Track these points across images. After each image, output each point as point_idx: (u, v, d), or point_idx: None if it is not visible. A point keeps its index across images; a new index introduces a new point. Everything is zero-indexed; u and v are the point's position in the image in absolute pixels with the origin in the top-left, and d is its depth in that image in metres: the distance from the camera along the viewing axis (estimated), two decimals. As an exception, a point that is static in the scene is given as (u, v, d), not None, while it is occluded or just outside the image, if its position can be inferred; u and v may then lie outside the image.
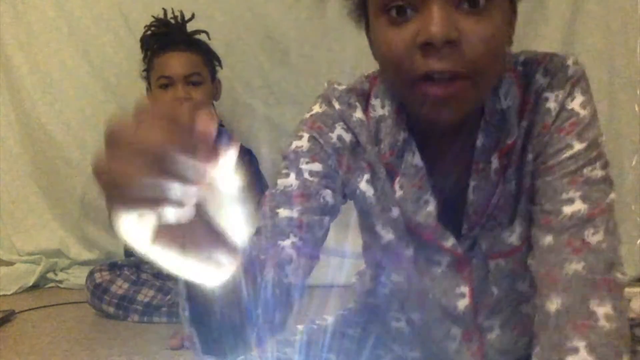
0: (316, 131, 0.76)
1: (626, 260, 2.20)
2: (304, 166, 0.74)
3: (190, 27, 1.87)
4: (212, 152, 0.35)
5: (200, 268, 0.40)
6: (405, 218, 0.77)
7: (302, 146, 0.75)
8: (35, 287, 2.09)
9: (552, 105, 0.71)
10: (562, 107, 0.71)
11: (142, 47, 1.87)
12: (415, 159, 0.75)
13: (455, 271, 0.79)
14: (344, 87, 0.80)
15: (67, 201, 2.25)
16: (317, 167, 0.74)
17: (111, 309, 1.72)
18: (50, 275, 2.16)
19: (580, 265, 0.67)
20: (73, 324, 1.69)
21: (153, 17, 1.87)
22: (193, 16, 1.87)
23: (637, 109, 1.95)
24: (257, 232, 0.69)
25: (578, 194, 0.68)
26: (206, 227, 0.40)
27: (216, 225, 0.40)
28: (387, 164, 0.76)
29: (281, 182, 0.73)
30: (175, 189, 0.34)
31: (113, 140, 0.34)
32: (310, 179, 0.73)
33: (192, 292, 0.52)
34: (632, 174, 1.95)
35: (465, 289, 0.80)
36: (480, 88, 0.65)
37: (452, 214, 0.76)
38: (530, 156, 0.73)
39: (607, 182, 0.70)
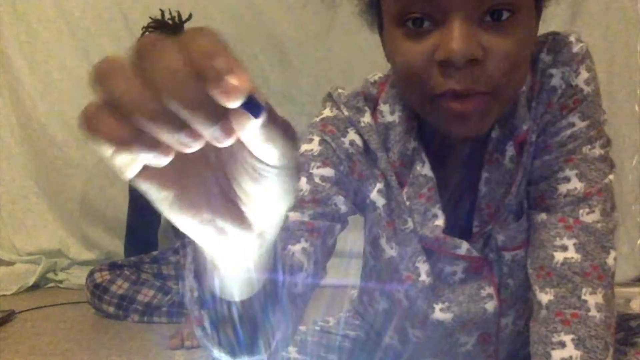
0: (328, 135, 0.72)
1: (626, 260, 2.20)
2: (314, 171, 0.70)
3: (189, 27, 1.87)
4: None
5: (201, 232, 0.34)
6: (416, 231, 0.73)
7: (312, 149, 0.71)
8: (35, 287, 2.09)
9: (557, 82, 0.69)
10: (567, 83, 0.68)
11: None
12: (424, 169, 0.71)
13: (475, 274, 0.75)
14: (351, 90, 0.76)
15: (67, 201, 2.25)
16: (328, 172, 0.70)
17: (111, 309, 1.71)
18: (50, 275, 2.16)
19: (571, 242, 0.65)
20: (73, 324, 1.69)
21: (150, 18, 1.87)
22: (190, 16, 1.86)
23: (637, 109, 1.95)
24: None
25: (574, 172, 0.67)
26: (212, 189, 0.33)
27: (229, 192, 0.33)
28: (397, 173, 0.72)
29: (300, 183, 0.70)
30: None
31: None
32: (322, 184, 0.69)
33: (203, 266, 0.43)
34: (632, 174, 1.96)
35: (490, 290, 0.75)
36: (503, 102, 0.62)
37: (461, 211, 0.73)
38: (533, 137, 0.70)
39: (607, 161, 0.68)
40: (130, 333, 1.60)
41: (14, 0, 2.19)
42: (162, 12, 1.86)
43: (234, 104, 0.26)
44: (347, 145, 0.72)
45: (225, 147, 0.29)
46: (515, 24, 0.58)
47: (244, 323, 0.44)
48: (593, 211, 0.66)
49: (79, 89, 2.20)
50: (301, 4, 2.04)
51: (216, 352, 0.45)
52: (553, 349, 0.63)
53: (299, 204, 0.68)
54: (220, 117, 0.27)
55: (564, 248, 0.66)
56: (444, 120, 0.62)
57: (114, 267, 1.79)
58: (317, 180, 0.69)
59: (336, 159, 0.71)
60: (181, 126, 0.26)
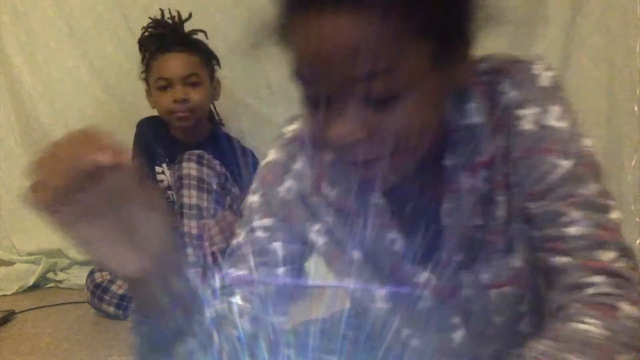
0: (266, 185, 0.75)
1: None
2: (255, 223, 0.74)
3: (189, 26, 1.87)
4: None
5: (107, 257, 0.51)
6: (371, 260, 0.74)
7: (254, 202, 0.75)
8: (35, 287, 2.09)
9: (527, 126, 0.65)
10: (539, 126, 0.65)
11: (140, 49, 1.87)
12: (374, 197, 0.70)
13: (441, 303, 0.74)
14: (292, 128, 0.77)
15: (67, 201, 2.24)
16: (267, 222, 0.74)
17: (111, 309, 1.71)
18: (50, 275, 2.16)
19: (601, 279, 0.62)
20: (73, 324, 1.69)
21: (150, 18, 1.87)
22: (190, 16, 1.86)
23: (637, 109, 1.95)
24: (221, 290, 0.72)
25: (578, 214, 0.64)
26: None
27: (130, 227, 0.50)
28: (345, 207, 0.72)
29: (235, 241, 0.75)
30: None
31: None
32: (261, 235, 0.73)
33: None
34: (632, 174, 1.95)
35: (457, 320, 0.74)
36: (407, 160, 0.62)
37: (427, 243, 0.71)
38: (514, 178, 0.67)
39: (607, 195, 0.66)
40: (130, 333, 1.60)
41: (13, 0, 2.19)
42: (162, 12, 1.86)
43: None
44: (282, 194, 0.74)
45: None
46: (404, 105, 0.57)
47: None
48: (610, 252, 0.64)
49: (79, 89, 2.20)
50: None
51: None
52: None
53: (237, 258, 0.73)
54: None
55: (592, 283, 0.63)
56: (357, 178, 0.64)
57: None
58: (257, 233, 0.73)
59: (273, 210, 0.74)
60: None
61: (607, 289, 0.62)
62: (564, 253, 0.64)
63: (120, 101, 2.19)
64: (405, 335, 0.77)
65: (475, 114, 0.67)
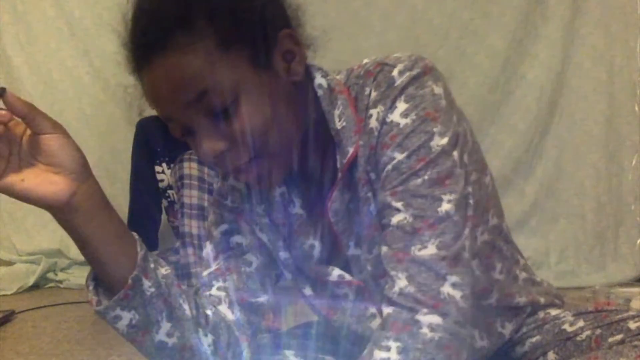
0: (215, 205, 0.83)
1: (626, 260, 2.19)
2: (215, 232, 0.81)
3: None
4: None
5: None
6: (295, 261, 0.81)
7: (211, 220, 0.83)
8: (35, 287, 2.09)
9: (374, 124, 0.69)
10: (383, 122, 0.68)
11: None
12: (295, 208, 0.78)
13: (361, 296, 0.78)
14: None
15: (67, 201, 2.24)
16: (224, 227, 0.81)
17: (111, 309, 1.72)
18: (50, 275, 2.16)
19: (403, 275, 0.64)
20: (73, 324, 1.69)
21: None
22: None
23: (637, 109, 1.95)
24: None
25: (400, 203, 0.66)
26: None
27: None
28: (272, 220, 0.79)
29: (203, 254, 0.82)
30: None
31: None
32: (222, 237, 0.80)
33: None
34: (632, 174, 1.96)
35: (374, 310, 0.78)
36: (278, 155, 0.69)
37: (334, 242, 0.77)
38: (373, 175, 0.71)
39: (438, 190, 0.66)
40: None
41: (14, 0, 2.19)
42: None
43: None
44: (230, 205, 0.82)
45: None
46: (241, 106, 0.64)
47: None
48: (426, 246, 0.64)
49: (79, 89, 2.20)
50: (301, 5, 2.03)
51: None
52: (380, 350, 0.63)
53: (206, 263, 0.80)
54: None
55: (398, 278, 0.65)
56: (250, 186, 0.76)
57: None
58: (217, 237, 0.81)
59: (225, 217, 0.81)
60: None
61: (409, 289, 0.63)
62: (385, 242, 0.67)
63: (120, 101, 2.19)
64: (338, 324, 0.82)
65: (338, 119, 0.72)
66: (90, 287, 0.67)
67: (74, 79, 2.20)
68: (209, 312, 0.73)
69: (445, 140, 0.67)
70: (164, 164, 1.91)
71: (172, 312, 0.67)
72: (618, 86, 1.96)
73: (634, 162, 1.96)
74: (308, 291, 0.82)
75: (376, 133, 0.69)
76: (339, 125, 0.72)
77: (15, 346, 1.51)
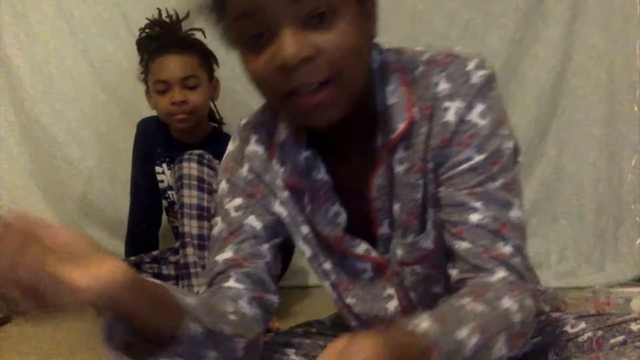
0: (229, 172, 0.82)
1: (626, 260, 2.20)
2: (227, 205, 0.80)
3: (188, 25, 1.86)
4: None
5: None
6: (317, 233, 0.80)
7: (222, 189, 0.82)
8: (35, 287, 2.09)
9: (451, 118, 0.70)
10: (461, 119, 0.70)
11: (138, 50, 1.87)
12: (320, 174, 0.78)
13: (380, 275, 0.80)
14: (246, 120, 0.86)
15: (67, 201, 2.24)
16: (237, 201, 0.80)
17: (111, 309, 1.71)
18: (51, 275, 2.15)
19: (501, 273, 0.68)
20: (73, 324, 1.69)
21: (147, 19, 1.86)
22: (188, 14, 1.85)
23: (637, 109, 1.95)
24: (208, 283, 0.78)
25: (478, 204, 0.69)
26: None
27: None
28: (294, 183, 0.79)
29: (214, 231, 0.80)
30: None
31: None
32: (235, 214, 0.79)
33: None
34: (632, 174, 1.96)
35: (391, 291, 0.80)
36: (347, 88, 0.68)
37: (367, 219, 0.78)
38: (430, 165, 0.73)
39: (511, 195, 0.70)
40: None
41: (14, 0, 2.19)
42: (160, 11, 1.85)
43: None
44: (245, 174, 0.81)
45: None
46: (338, 21, 0.65)
47: None
48: (507, 246, 0.69)
49: (79, 89, 2.20)
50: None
51: None
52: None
53: (220, 244, 0.78)
54: None
55: (494, 272, 0.69)
56: (299, 115, 0.71)
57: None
58: (231, 214, 0.79)
59: (240, 189, 0.81)
60: None
61: (499, 279, 0.68)
62: (465, 239, 0.70)
63: (120, 101, 2.19)
64: (349, 302, 0.83)
65: (391, 95, 0.73)
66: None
67: (74, 79, 2.20)
68: (229, 309, 0.71)
69: (511, 144, 0.71)
70: (164, 165, 1.91)
71: (217, 342, 0.67)
72: (618, 86, 1.96)
73: (633, 162, 1.96)
74: (327, 266, 0.82)
75: (452, 128, 0.70)
76: (390, 101, 0.73)
77: (15, 346, 1.51)
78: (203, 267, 1.57)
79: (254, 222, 0.79)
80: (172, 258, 1.87)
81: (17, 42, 2.20)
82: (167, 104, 1.77)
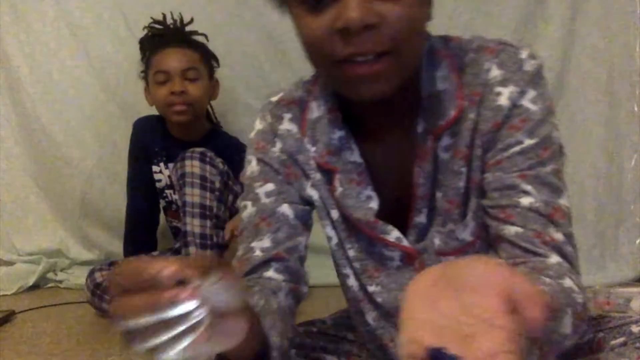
0: (260, 152, 0.79)
1: (626, 260, 2.19)
2: (258, 190, 0.78)
3: (189, 29, 1.88)
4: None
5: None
6: (346, 217, 0.78)
7: (253, 171, 0.79)
8: (35, 287, 2.09)
9: (504, 102, 0.70)
10: (513, 104, 0.70)
11: (141, 48, 1.88)
12: (353, 155, 0.76)
13: (408, 264, 0.78)
14: (277, 97, 0.83)
15: (67, 201, 2.24)
16: (269, 187, 0.78)
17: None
18: (50, 275, 2.16)
19: (555, 257, 0.67)
20: (73, 324, 1.69)
21: (152, 19, 1.87)
22: (192, 20, 1.87)
23: (637, 109, 1.95)
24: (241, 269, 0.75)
25: (529, 187, 0.68)
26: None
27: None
28: (325, 163, 0.77)
29: (244, 214, 0.78)
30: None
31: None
32: (267, 200, 0.77)
33: None
34: (632, 174, 1.95)
35: None
36: (404, 62, 0.66)
37: (400, 207, 0.76)
38: (479, 151, 0.72)
39: (560, 181, 0.70)
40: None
41: (14, 0, 2.19)
42: (164, 15, 1.86)
43: None
44: (277, 153, 0.79)
45: None
46: None
47: None
48: (558, 232, 0.67)
49: (79, 89, 2.20)
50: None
51: None
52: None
53: (254, 231, 0.76)
54: None
55: (548, 256, 0.67)
56: (350, 84, 0.67)
57: (114, 266, 1.78)
58: (261, 199, 0.77)
59: (273, 172, 0.78)
60: None
61: (555, 262, 0.66)
62: (515, 223, 0.68)
63: (120, 101, 2.19)
64: (373, 291, 0.81)
65: (441, 81, 0.72)
66: None
67: (74, 79, 2.20)
68: (274, 305, 0.69)
69: (559, 134, 0.71)
70: (161, 164, 1.91)
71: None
72: (618, 86, 1.96)
73: (633, 162, 1.95)
74: (352, 252, 0.80)
75: (505, 112, 0.70)
76: (440, 86, 0.72)
77: (15, 346, 1.51)
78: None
79: (287, 210, 0.77)
80: (172, 258, 1.86)
81: (17, 42, 2.20)
82: (166, 94, 1.77)
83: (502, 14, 1.98)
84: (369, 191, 0.76)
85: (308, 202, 0.80)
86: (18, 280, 2.07)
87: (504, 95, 0.70)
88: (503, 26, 1.99)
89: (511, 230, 0.68)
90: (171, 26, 1.86)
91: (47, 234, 2.25)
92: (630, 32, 1.93)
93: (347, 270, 0.82)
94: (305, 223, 0.79)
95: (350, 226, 0.79)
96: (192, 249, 1.58)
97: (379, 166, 0.76)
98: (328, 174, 0.78)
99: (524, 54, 0.71)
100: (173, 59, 1.78)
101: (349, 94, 0.70)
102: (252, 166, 0.80)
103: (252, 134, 0.82)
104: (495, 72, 0.71)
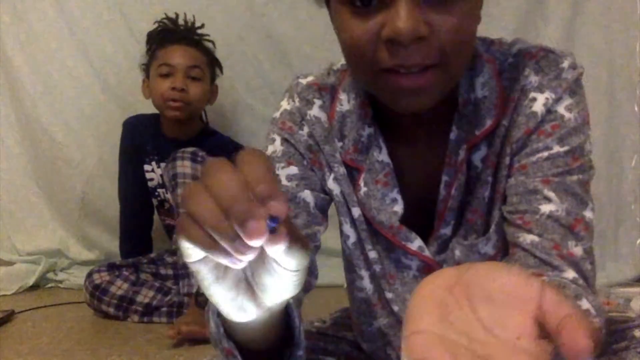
0: (287, 132, 0.75)
1: (626, 261, 2.19)
2: (280, 171, 0.73)
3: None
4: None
5: (225, 303, 0.43)
6: (368, 217, 0.75)
7: (276, 150, 0.75)
8: (35, 287, 2.09)
9: (538, 109, 0.67)
10: (548, 110, 0.67)
11: (148, 41, 1.87)
12: (381, 155, 0.72)
13: (426, 275, 0.75)
14: (308, 80, 0.78)
15: (67, 201, 2.24)
16: (292, 170, 0.74)
17: (111, 310, 1.71)
18: (50, 275, 2.16)
19: (571, 274, 0.62)
20: (73, 324, 1.69)
21: (165, 14, 1.87)
22: (203, 25, 1.88)
23: (637, 109, 1.95)
24: None
25: (552, 194, 0.64)
26: (240, 277, 0.42)
27: (252, 281, 0.42)
28: (351, 160, 0.74)
29: None
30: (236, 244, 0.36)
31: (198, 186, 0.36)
32: (288, 183, 0.73)
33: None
34: (632, 174, 1.95)
35: None
36: (451, 75, 0.63)
37: (423, 215, 0.73)
38: (507, 159, 0.69)
39: (586, 193, 0.66)
40: (130, 333, 1.60)
41: (14, 0, 2.19)
42: (177, 15, 1.86)
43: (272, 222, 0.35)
44: (305, 137, 0.75)
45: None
46: (459, 3, 0.59)
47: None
48: (578, 246, 0.63)
49: (79, 89, 2.20)
50: (301, 4, 2.04)
51: None
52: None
53: None
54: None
55: (563, 270, 0.63)
56: (392, 96, 0.63)
57: (112, 267, 1.78)
58: (283, 181, 0.73)
59: (298, 156, 0.74)
60: (234, 237, 0.35)
61: (571, 278, 0.62)
62: (533, 231, 0.64)
63: (120, 101, 2.18)
64: (390, 298, 0.78)
65: (480, 88, 0.69)
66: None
67: (74, 79, 2.20)
68: None
69: (591, 147, 0.68)
70: (153, 163, 1.90)
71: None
72: (618, 86, 1.96)
73: (633, 162, 1.95)
74: (373, 254, 0.76)
75: (538, 119, 0.66)
76: (480, 93, 0.69)
77: (15, 346, 1.51)
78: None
79: (308, 197, 0.73)
80: (169, 259, 1.86)
81: (17, 42, 2.20)
82: (167, 87, 1.77)
83: (502, 14, 1.98)
84: (395, 194, 0.73)
85: (327, 194, 0.77)
86: (18, 280, 2.07)
87: (539, 102, 0.67)
88: (503, 26, 1.99)
89: (527, 238, 0.64)
90: (182, 27, 1.86)
91: (47, 234, 2.25)
92: (630, 32, 1.93)
93: (363, 272, 0.79)
94: (324, 213, 0.76)
95: (371, 227, 0.76)
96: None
97: (405, 169, 0.73)
98: (353, 171, 0.75)
99: (565, 63, 0.68)
100: (179, 55, 1.79)
101: (388, 104, 0.66)
102: (275, 145, 0.75)
103: (278, 113, 0.78)
104: (533, 78, 0.68)
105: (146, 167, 1.91)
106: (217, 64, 1.91)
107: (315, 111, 0.75)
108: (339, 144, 0.74)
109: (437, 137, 0.71)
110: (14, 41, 2.20)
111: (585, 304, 0.60)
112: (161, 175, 1.87)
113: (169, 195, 1.83)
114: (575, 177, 0.66)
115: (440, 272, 0.35)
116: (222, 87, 1.95)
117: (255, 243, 0.35)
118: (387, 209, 0.73)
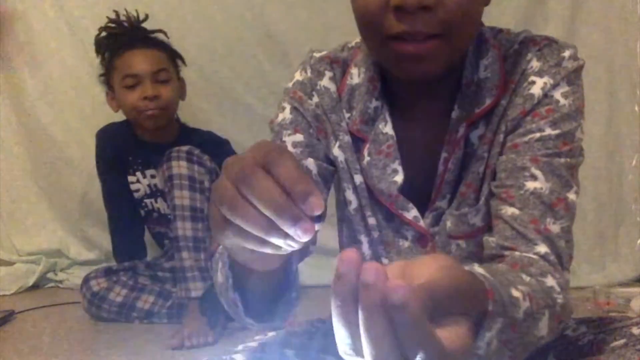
0: (297, 101, 0.80)
1: (626, 261, 2.19)
2: (286, 138, 0.78)
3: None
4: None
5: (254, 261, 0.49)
6: (370, 185, 0.78)
7: (285, 118, 0.79)
8: (35, 287, 2.09)
9: (536, 91, 0.71)
10: (545, 94, 0.71)
11: (97, 50, 1.78)
12: (386, 127, 0.76)
13: (420, 246, 0.78)
14: (322, 54, 0.83)
15: (67, 201, 2.24)
16: (298, 137, 0.78)
17: (111, 317, 1.69)
18: (50, 275, 2.16)
19: (543, 248, 0.66)
20: (73, 324, 1.69)
21: (107, 17, 1.77)
22: (147, 17, 1.78)
23: (637, 109, 1.95)
24: None
25: (539, 172, 0.68)
26: None
27: None
28: (357, 130, 0.77)
29: None
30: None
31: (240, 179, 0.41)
32: (293, 150, 0.77)
33: (235, 263, 0.56)
34: (632, 174, 1.96)
35: None
36: (454, 47, 0.67)
37: (422, 188, 0.77)
38: (501, 137, 0.73)
39: (573, 177, 0.70)
40: (130, 333, 1.60)
41: (14, 0, 2.19)
42: (117, 13, 1.76)
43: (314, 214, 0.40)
44: (313, 107, 0.79)
45: None
46: None
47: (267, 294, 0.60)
48: (555, 223, 0.67)
49: (79, 89, 2.20)
50: (301, 4, 2.04)
51: (247, 321, 0.61)
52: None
53: None
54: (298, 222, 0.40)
55: (536, 244, 0.67)
56: (397, 62, 0.68)
57: (109, 273, 1.75)
58: (289, 147, 0.77)
59: (305, 124, 0.79)
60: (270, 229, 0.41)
61: (542, 254, 0.65)
62: (514, 205, 0.68)
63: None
64: (385, 264, 0.79)
65: (484, 69, 0.73)
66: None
67: (74, 79, 2.20)
68: None
69: (582, 135, 0.71)
70: (137, 173, 1.83)
71: None
72: (618, 86, 1.96)
73: (634, 162, 1.96)
74: (372, 220, 0.80)
75: (535, 101, 0.71)
76: (482, 74, 0.73)
77: (15, 346, 1.51)
78: (199, 270, 1.54)
79: (311, 164, 0.77)
80: (167, 265, 1.82)
81: (17, 42, 2.20)
82: (138, 99, 1.70)
83: (502, 14, 1.98)
84: (396, 165, 0.76)
85: (332, 163, 0.80)
86: (18, 280, 2.07)
87: (538, 85, 0.71)
88: (503, 26, 1.99)
89: (509, 210, 0.68)
90: (125, 24, 1.76)
91: (47, 234, 2.25)
92: (630, 32, 1.93)
93: (362, 237, 0.82)
94: (326, 183, 0.79)
95: (372, 195, 0.79)
96: (185, 254, 1.53)
97: (408, 143, 0.77)
98: (358, 141, 0.78)
99: (567, 53, 0.72)
100: (141, 61, 1.70)
101: (395, 71, 0.71)
102: (284, 113, 0.80)
103: (290, 84, 0.82)
104: (534, 63, 0.72)
105: (130, 178, 1.83)
106: (177, 56, 1.81)
107: (325, 82, 0.80)
108: (347, 115, 0.78)
109: (440, 115, 0.75)
110: (14, 41, 2.20)
111: (549, 281, 0.63)
112: (148, 185, 1.81)
113: (158, 204, 1.80)
114: (563, 160, 0.69)
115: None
116: (222, 87, 1.95)
117: (306, 238, 0.41)
118: (388, 179, 0.76)
